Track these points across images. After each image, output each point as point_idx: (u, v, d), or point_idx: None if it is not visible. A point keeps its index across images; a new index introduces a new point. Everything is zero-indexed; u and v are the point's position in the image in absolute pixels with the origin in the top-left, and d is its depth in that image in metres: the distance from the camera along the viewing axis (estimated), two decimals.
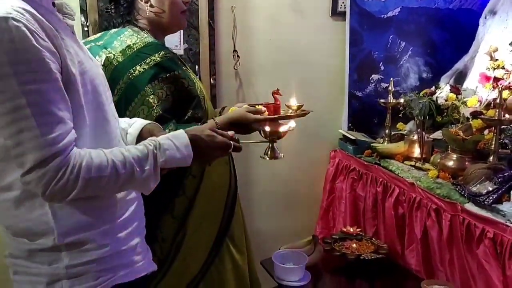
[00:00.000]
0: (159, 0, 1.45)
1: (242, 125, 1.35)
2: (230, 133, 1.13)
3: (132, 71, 1.37)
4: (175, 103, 1.41)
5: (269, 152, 1.20)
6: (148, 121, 1.21)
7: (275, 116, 1.31)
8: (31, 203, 0.90)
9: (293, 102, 1.37)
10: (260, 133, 1.24)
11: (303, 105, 1.38)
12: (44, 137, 0.81)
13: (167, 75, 1.40)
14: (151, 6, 1.45)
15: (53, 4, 0.95)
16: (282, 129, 1.21)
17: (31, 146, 0.81)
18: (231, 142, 1.11)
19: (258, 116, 1.34)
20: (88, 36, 1.91)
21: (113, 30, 1.47)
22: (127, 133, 1.16)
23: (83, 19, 1.94)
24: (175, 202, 1.45)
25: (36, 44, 0.80)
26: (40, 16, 0.84)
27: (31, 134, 0.81)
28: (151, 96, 1.36)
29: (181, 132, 1.03)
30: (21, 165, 0.83)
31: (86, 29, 1.95)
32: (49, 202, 0.89)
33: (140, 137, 1.14)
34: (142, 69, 1.38)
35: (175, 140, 1.00)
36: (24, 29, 0.79)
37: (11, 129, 0.81)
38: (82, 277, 0.93)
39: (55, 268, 0.92)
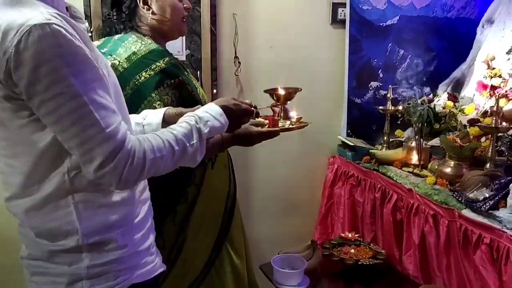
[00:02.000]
0: (161, 8, 1.46)
1: (246, 138, 1.37)
2: (248, 101, 1.22)
3: (138, 77, 1.39)
4: None
5: (282, 114, 1.27)
6: (167, 107, 1.24)
7: (276, 129, 1.34)
8: (57, 204, 0.92)
9: (293, 115, 1.40)
10: (273, 97, 1.30)
11: (302, 117, 1.41)
12: (107, 129, 0.85)
13: (172, 81, 1.42)
14: (153, 13, 1.47)
15: (67, 8, 0.97)
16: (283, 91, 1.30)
17: (98, 140, 0.84)
18: (253, 108, 1.19)
19: (261, 129, 1.36)
20: (92, 42, 1.94)
21: (116, 36, 1.48)
22: (143, 126, 1.19)
23: (87, 24, 1.96)
24: (177, 209, 1.47)
25: (80, 45, 0.84)
26: (71, 21, 0.87)
27: (96, 129, 0.84)
28: (158, 102, 1.38)
29: (212, 104, 1.11)
30: (90, 161, 0.85)
31: (90, 34, 1.98)
32: (123, 189, 0.94)
33: (165, 123, 1.18)
34: (147, 75, 1.40)
35: (211, 111, 1.08)
36: (66, 33, 0.82)
37: (75, 129, 0.83)
38: (102, 277, 0.95)
39: (75, 268, 0.94)
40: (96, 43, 1.51)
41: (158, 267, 1.09)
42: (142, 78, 1.39)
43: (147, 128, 1.19)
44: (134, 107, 1.37)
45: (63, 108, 0.82)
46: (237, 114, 1.14)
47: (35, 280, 0.98)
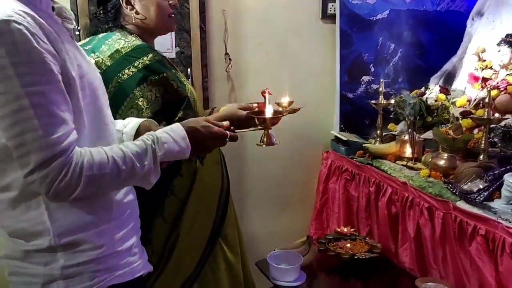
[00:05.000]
0: (144, 7, 1.45)
1: (234, 122, 1.35)
2: (225, 123, 1.13)
3: (120, 75, 1.37)
4: (165, 105, 1.41)
5: (264, 139, 1.18)
6: (143, 119, 1.21)
7: (266, 113, 1.30)
8: (28, 204, 0.91)
9: (284, 100, 1.38)
10: (255, 122, 1.25)
11: (293, 101, 1.39)
12: (46, 138, 0.82)
13: (156, 77, 1.40)
14: (137, 13, 1.45)
15: (53, 8, 0.95)
16: (269, 114, 1.17)
17: (34, 147, 0.82)
18: (227, 132, 1.10)
19: (250, 113, 1.33)
20: (80, 40, 1.91)
21: (101, 35, 1.47)
22: (123, 134, 1.16)
23: (74, 23, 1.94)
24: (165, 204, 1.45)
25: (38, 46, 0.81)
26: (41, 20, 0.84)
27: (34, 135, 0.81)
28: (140, 99, 1.36)
29: (177, 125, 1.04)
30: (24, 165, 0.83)
31: (77, 33, 1.95)
32: (53, 201, 0.90)
33: (138, 135, 1.13)
34: (130, 72, 1.38)
35: (172, 133, 1.01)
36: (26, 31, 0.80)
37: (14, 131, 0.82)
38: (78, 277, 0.94)
39: (50, 268, 0.92)
40: (82, 42, 1.49)
41: (142, 268, 1.07)
42: (125, 75, 1.38)
43: (125, 137, 1.16)
44: (117, 104, 1.36)
45: (5, 107, 0.80)
46: (205, 138, 1.07)
47: (12, 280, 0.98)
